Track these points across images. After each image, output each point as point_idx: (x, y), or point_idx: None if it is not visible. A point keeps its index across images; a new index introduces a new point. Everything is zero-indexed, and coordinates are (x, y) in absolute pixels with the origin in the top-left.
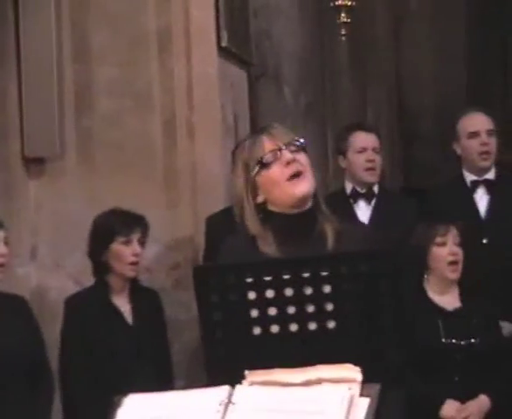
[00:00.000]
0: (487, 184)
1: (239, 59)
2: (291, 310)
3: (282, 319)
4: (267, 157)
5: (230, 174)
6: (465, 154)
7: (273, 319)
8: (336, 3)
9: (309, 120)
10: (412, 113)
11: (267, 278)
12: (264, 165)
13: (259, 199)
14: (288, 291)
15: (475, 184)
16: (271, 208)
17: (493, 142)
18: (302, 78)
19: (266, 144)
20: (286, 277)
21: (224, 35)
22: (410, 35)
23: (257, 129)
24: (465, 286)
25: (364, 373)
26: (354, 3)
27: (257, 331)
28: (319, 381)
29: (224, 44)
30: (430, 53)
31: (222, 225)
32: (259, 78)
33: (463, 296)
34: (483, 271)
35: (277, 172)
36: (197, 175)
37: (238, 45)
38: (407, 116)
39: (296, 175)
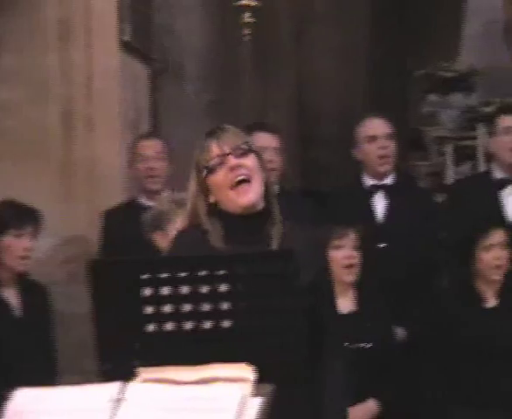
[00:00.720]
0: (386, 189)
1: (142, 54)
2: (186, 308)
3: (177, 316)
4: (213, 162)
5: (128, 168)
6: (364, 159)
7: (168, 317)
8: (240, 2)
9: (211, 117)
10: (313, 115)
11: (163, 275)
12: (210, 170)
13: (211, 199)
14: (184, 289)
15: (374, 188)
16: (222, 207)
17: (391, 146)
18: (205, 75)
19: (214, 149)
20: (182, 274)
21: (127, 29)
22: (313, 38)
23: (210, 130)
24: (361, 290)
25: (258, 372)
26: (258, 4)
27: (151, 328)
28: (212, 380)
29: (126, 37)
30: (332, 56)
31: (120, 219)
32: (161, 73)
33: (359, 299)
34: (379, 276)
35: (221, 177)
36: (94, 168)
37: (141, 40)
38: (308, 118)
39: (242, 181)
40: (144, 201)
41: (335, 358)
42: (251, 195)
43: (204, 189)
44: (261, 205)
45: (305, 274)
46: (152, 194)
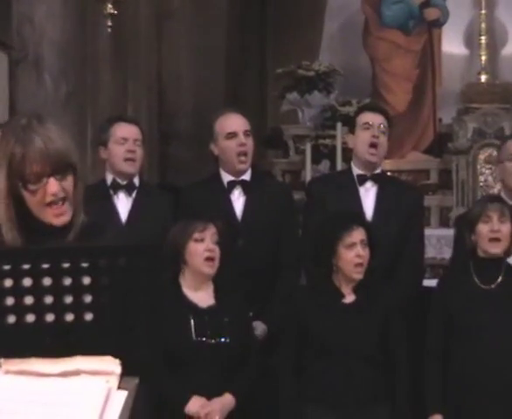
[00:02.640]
0: (244, 185)
1: (0, 42)
2: (48, 300)
3: (39, 308)
4: (31, 179)
5: None
6: (223, 155)
7: (29, 309)
8: None
9: (69, 109)
10: (171, 111)
11: (25, 267)
12: (26, 186)
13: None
14: (47, 281)
15: (232, 185)
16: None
17: (250, 143)
18: (63, 66)
19: (34, 164)
20: (44, 266)
21: None
22: (171, 34)
23: (38, 121)
24: (220, 284)
25: (122, 366)
26: None
27: (11, 320)
28: (77, 373)
29: None
30: (190, 54)
31: None
32: (19, 62)
33: (218, 294)
34: (238, 271)
35: (39, 197)
36: None
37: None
38: (166, 114)
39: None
40: None
41: None
42: (65, 218)
43: (14, 186)
44: None
45: None
46: None
